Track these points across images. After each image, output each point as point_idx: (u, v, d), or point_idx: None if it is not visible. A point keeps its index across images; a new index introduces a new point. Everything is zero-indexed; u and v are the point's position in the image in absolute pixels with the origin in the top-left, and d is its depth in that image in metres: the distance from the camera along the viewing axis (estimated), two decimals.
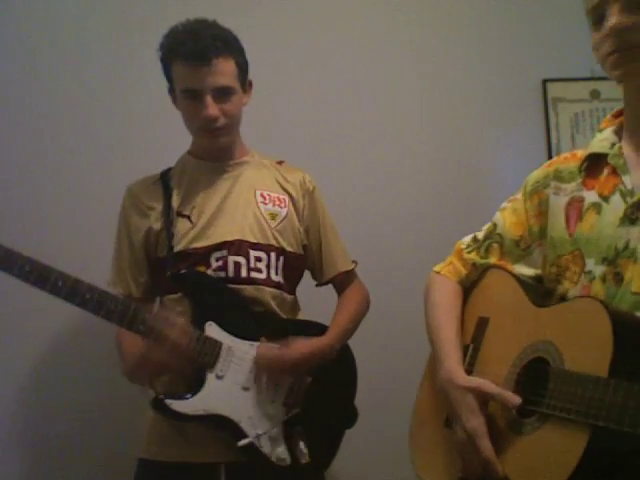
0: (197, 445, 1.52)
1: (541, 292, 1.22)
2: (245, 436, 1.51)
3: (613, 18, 1.04)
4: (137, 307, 1.47)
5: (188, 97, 1.57)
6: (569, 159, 1.22)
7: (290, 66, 2.21)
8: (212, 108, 1.55)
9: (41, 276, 1.40)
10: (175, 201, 1.63)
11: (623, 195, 1.09)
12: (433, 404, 1.30)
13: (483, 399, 1.14)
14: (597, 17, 1.08)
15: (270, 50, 2.15)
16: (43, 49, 2.09)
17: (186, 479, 1.54)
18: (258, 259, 1.61)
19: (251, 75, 1.68)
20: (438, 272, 1.38)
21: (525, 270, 1.26)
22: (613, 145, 1.14)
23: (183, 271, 1.57)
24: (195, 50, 1.52)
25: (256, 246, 1.61)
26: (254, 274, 1.60)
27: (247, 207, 1.64)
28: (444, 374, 1.21)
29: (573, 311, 1.09)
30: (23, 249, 1.44)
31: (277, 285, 1.64)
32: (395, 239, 2.24)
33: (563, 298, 1.15)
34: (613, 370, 0.96)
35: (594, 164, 1.16)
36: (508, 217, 1.30)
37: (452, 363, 1.22)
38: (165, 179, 1.67)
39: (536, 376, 1.10)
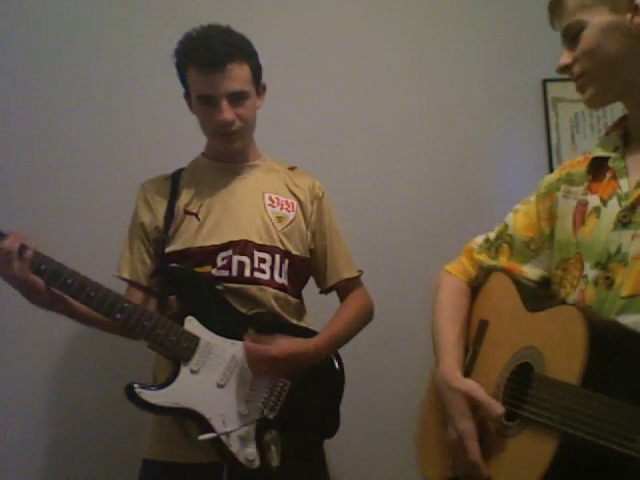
0: (200, 445, 1.51)
1: (540, 296, 1.23)
2: (212, 432, 1.50)
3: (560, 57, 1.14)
4: (117, 295, 1.50)
5: (203, 103, 1.59)
6: (582, 162, 1.23)
7: (292, 70, 2.21)
8: (228, 113, 1.57)
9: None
10: (183, 199, 1.65)
11: (619, 199, 1.10)
12: (435, 404, 1.31)
13: (473, 403, 1.16)
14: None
15: (275, 55, 2.15)
16: (44, 49, 2.08)
17: (189, 479, 1.54)
18: (262, 260, 1.61)
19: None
20: (448, 271, 1.39)
21: (534, 271, 1.27)
22: (616, 149, 1.15)
23: (173, 265, 1.59)
24: (209, 57, 1.53)
25: (261, 247, 1.62)
26: (257, 274, 1.61)
27: (255, 209, 1.65)
28: (440, 375, 1.24)
29: (555, 318, 1.11)
30: None
31: (281, 287, 1.64)
32: (395, 239, 2.24)
33: (564, 302, 1.16)
34: (585, 378, 0.97)
35: (599, 168, 1.17)
36: (520, 219, 1.31)
37: (449, 365, 1.24)
38: (176, 178, 1.69)
39: (522, 381, 1.12)
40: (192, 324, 1.54)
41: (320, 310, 1.71)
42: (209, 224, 1.62)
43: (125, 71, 2.12)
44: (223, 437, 1.50)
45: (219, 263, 1.59)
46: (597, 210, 1.13)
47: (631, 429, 0.89)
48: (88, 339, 1.97)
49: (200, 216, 1.62)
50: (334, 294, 1.77)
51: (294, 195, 1.72)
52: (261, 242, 1.62)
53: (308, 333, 1.63)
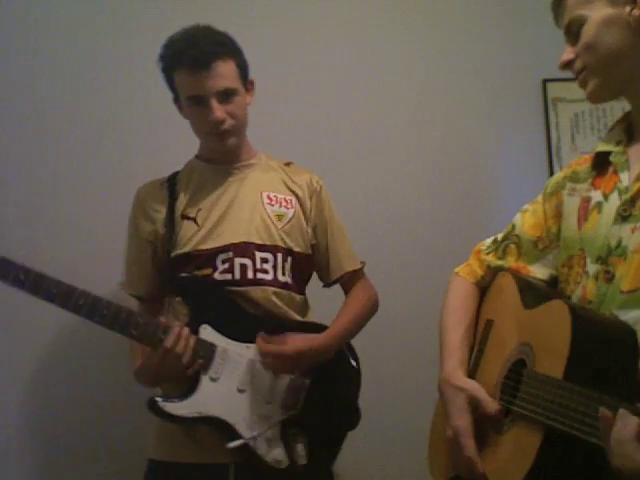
0: (206, 445, 1.53)
1: (538, 292, 1.23)
2: (240, 438, 1.51)
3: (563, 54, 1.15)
4: (129, 312, 1.50)
5: (193, 104, 1.59)
6: (587, 160, 1.23)
7: (291, 67, 2.21)
8: (218, 111, 1.56)
9: (35, 284, 1.42)
10: (181, 204, 1.65)
11: (620, 193, 1.09)
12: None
13: (473, 402, 1.17)
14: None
15: (273, 52, 2.16)
16: (44, 49, 2.08)
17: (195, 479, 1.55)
18: (264, 260, 1.62)
19: (253, 76, 1.69)
20: (457, 273, 1.40)
21: (543, 270, 1.27)
22: (619, 142, 1.15)
23: (182, 275, 1.59)
24: (194, 56, 1.53)
25: (262, 247, 1.62)
26: (260, 275, 1.61)
27: (253, 209, 1.65)
28: (442, 374, 1.25)
29: (546, 313, 1.11)
30: (23, 253, 1.46)
31: (284, 285, 1.64)
32: (396, 239, 2.24)
33: (558, 297, 1.16)
34: (567, 371, 0.98)
35: (603, 163, 1.17)
36: (528, 219, 1.31)
37: (451, 365, 1.25)
38: (172, 182, 1.69)
39: (515, 377, 1.13)
40: (207, 332, 1.55)
41: (323, 305, 1.72)
42: (208, 228, 1.61)
43: (124, 74, 2.11)
44: (250, 441, 1.51)
45: (219, 266, 1.59)
46: (599, 205, 1.13)
47: (595, 417, 0.89)
48: (95, 337, 1.96)
49: (199, 221, 1.62)
50: (336, 288, 1.77)
51: (292, 192, 1.71)
52: (262, 242, 1.62)
53: (317, 328, 1.64)
